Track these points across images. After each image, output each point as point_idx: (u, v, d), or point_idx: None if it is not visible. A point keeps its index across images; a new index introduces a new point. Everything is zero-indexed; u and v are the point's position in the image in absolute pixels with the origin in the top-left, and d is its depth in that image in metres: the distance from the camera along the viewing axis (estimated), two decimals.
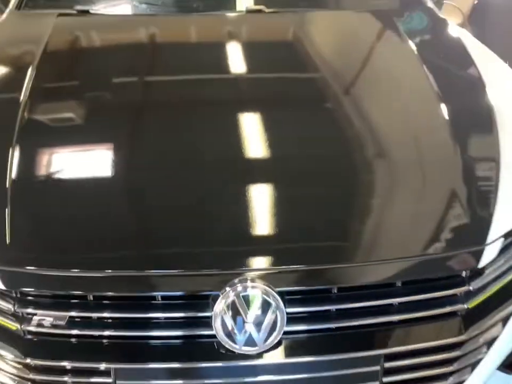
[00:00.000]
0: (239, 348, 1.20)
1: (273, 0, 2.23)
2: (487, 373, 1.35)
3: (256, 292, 1.19)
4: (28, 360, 1.23)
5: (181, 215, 1.35)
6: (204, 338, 1.23)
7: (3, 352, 1.24)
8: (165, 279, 1.24)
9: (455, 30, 2.18)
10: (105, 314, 1.23)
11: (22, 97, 1.62)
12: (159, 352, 1.23)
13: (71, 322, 1.23)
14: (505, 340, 1.35)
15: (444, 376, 1.31)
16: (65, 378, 1.23)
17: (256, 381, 1.25)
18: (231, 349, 1.21)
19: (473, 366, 1.32)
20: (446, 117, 1.60)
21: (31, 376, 1.24)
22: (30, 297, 1.25)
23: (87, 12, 2.17)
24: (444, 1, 5.89)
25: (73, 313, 1.22)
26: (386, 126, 1.63)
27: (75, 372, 1.24)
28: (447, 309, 1.28)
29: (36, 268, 1.23)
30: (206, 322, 1.21)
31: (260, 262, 1.27)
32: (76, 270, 1.22)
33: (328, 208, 1.38)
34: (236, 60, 1.93)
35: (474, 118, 1.67)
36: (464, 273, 1.30)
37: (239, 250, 1.28)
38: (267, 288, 1.19)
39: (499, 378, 1.44)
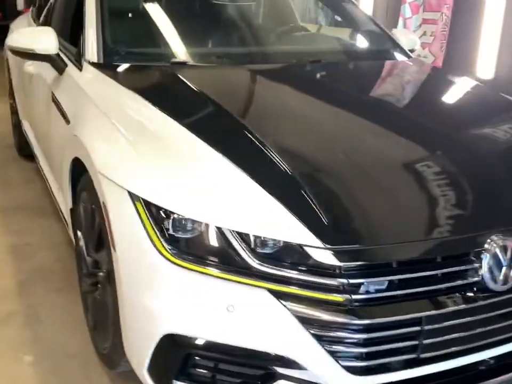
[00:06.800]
0: (498, 286, 1.60)
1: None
2: None
3: (508, 243, 1.61)
4: (360, 322, 1.47)
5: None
6: (469, 284, 1.59)
7: (335, 319, 1.48)
8: (445, 243, 1.62)
9: None
10: (409, 275, 1.53)
11: None
12: (448, 302, 1.57)
13: (388, 286, 1.52)
14: None
15: None
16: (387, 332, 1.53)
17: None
18: (493, 288, 1.59)
19: None
20: None
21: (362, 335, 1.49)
22: (352, 271, 1.50)
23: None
24: None
25: (391, 278, 1.51)
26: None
27: (394, 326, 1.52)
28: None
29: (358, 246, 1.53)
30: (472, 271, 1.59)
31: (500, 223, 1.68)
32: (384, 243, 1.55)
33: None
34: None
35: None
36: None
37: (485, 218, 1.72)
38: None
39: None
